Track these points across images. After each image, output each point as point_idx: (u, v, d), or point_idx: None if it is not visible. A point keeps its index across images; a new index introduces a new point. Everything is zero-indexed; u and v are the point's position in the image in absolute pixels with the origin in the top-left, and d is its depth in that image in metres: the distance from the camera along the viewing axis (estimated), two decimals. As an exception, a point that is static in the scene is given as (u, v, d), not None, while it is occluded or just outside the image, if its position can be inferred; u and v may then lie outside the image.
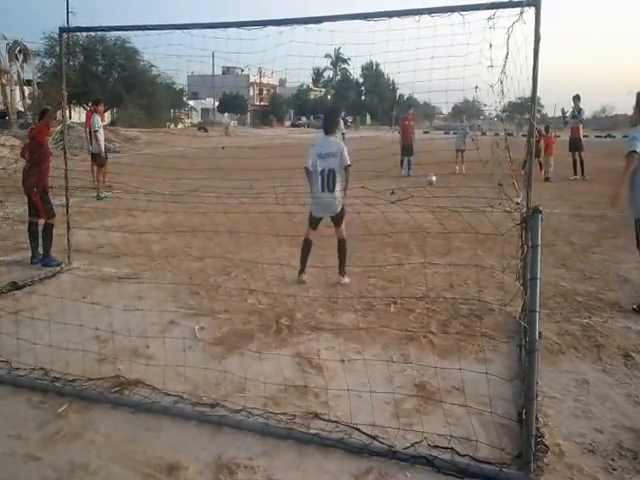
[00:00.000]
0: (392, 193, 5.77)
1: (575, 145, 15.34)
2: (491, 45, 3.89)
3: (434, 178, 13.01)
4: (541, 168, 15.02)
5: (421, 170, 13.45)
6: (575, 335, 4.51)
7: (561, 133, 19.38)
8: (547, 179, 14.99)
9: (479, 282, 5.69)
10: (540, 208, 3.17)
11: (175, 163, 11.78)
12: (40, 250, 6.51)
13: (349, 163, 5.71)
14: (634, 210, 4.88)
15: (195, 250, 7.16)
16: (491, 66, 3.90)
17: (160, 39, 5.04)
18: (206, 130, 44.14)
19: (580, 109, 15.59)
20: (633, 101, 5.04)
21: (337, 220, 5.82)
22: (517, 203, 3.81)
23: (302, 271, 5.88)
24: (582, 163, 15.29)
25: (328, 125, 5.94)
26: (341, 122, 14.85)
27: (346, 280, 5.85)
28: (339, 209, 5.75)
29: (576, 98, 15.34)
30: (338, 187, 5.68)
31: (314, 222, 5.91)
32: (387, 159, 13.18)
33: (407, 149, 16.12)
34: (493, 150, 4.19)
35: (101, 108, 12.93)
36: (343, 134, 14.89)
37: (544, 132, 15.80)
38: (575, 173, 15.38)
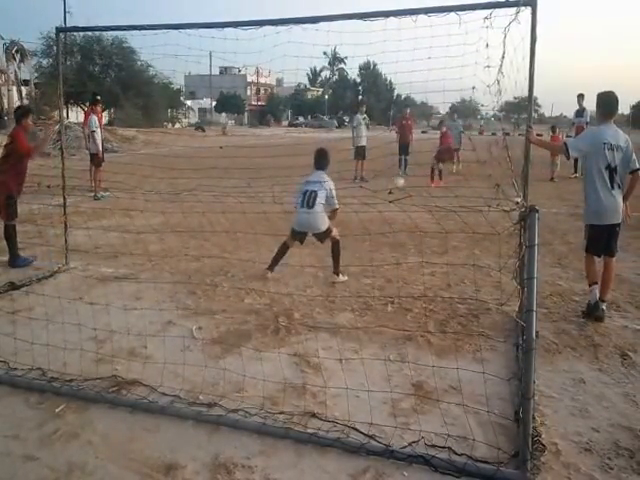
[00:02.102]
0: (390, 193, 5.79)
1: None
2: (488, 45, 3.91)
3: (402, 181, 11.63)
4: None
5: (420, 170, 13.44)
6: (572, 334, 4.52)
7: (560, 132, 19.42)
8: (552, 179, 15.03)
9: (476, 281, 5.70)
10: (537, 207, 3.18)
11: (172, 162, 11.76)
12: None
13: (337, 206, 5.94)
14: (584, 216, 4.98)
15: (193, 250, 7.15)
16: (488, 66, 3.91)
17: (157, 39, 5.04)
18: (203, 130, 44.09)
19: (584, 108, 15.58)
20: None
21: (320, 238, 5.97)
22: (517, 203, 3.82)
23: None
24: None
25: (317, 162, 6.13)
26: (360, 117, 14.97)
27: (340, 279, 5.91)
28: (323, 228, 5.85)
29: (580, 97, 15.38)
30: (319, 206, 5.81)
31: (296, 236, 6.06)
32: (386, 158, 13.26)
33: (404, 148, 16.15)
34: (491, 150, 4.21)
35: (98, 108, 12.88)
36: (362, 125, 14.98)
37: (550, 132, 15.87)
38: (576, 171, 15.47)
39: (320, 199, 5.80)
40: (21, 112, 6.73)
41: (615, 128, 4.83)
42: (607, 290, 4.90)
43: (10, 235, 6.41)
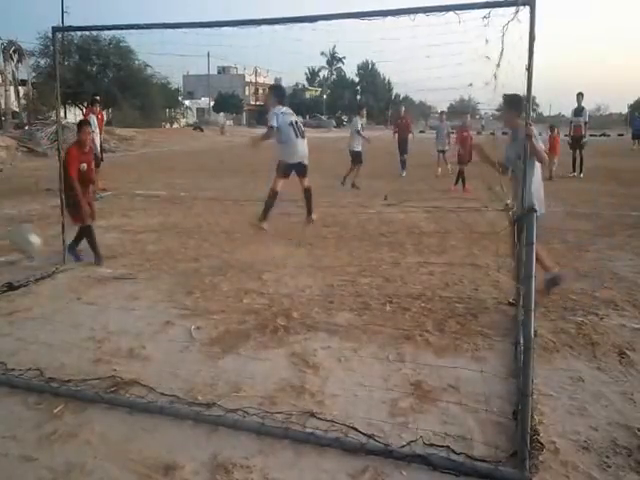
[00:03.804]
0: (385, 199, 5.78)
1: (576, 143, 15.56)
2: (487, 42, 3.92)
3: None
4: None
5: (420, 170, 13.44)
6: (570, 333, 4.53)
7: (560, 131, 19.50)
8: (551, 178, 15.08)
9: (475, 281, 5.71)
10: (535, 207, 3.19)
11: (171, 162, 11.76)
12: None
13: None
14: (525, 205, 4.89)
15: (191, 250, 7.14)
16: (487, 57, 3.92)
17: (154, 38, 5.04)
18: (202, 130, 44.14)
19: (582, 108, 15.60)
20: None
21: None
22: (506, 204, 3.83)
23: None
24: (582, 161, 15.50)
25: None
26: (358, 121, 14.79)
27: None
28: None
29: (579, 95, 15.41)
30: None
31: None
32: (385, 158, 13.29)
33: (404, 147, 16.11)
34: (486, 151, 4.21)
35: (97, 108, 12.86)
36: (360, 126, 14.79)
37: (550, 132, 15.95)
38: (574, 170, 15.57)
39: None
40: (78, 125, 6.63)
41: None
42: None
43: (90, 236, 6.44)
